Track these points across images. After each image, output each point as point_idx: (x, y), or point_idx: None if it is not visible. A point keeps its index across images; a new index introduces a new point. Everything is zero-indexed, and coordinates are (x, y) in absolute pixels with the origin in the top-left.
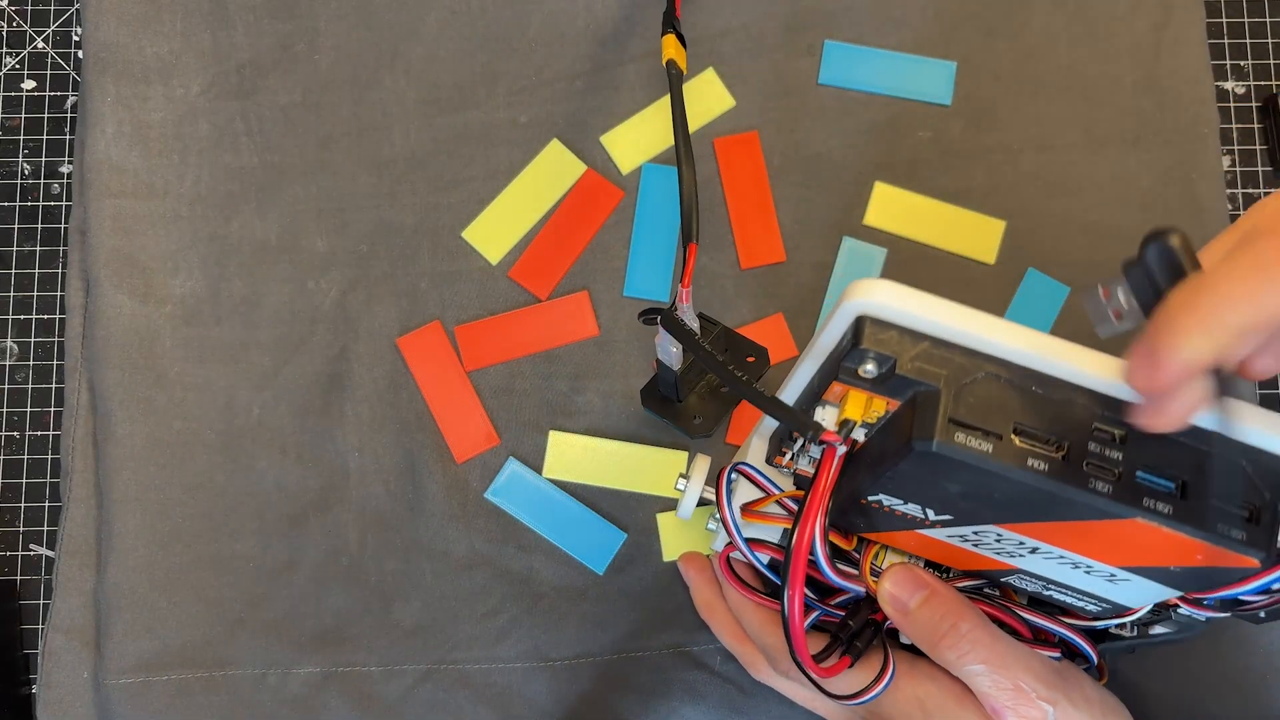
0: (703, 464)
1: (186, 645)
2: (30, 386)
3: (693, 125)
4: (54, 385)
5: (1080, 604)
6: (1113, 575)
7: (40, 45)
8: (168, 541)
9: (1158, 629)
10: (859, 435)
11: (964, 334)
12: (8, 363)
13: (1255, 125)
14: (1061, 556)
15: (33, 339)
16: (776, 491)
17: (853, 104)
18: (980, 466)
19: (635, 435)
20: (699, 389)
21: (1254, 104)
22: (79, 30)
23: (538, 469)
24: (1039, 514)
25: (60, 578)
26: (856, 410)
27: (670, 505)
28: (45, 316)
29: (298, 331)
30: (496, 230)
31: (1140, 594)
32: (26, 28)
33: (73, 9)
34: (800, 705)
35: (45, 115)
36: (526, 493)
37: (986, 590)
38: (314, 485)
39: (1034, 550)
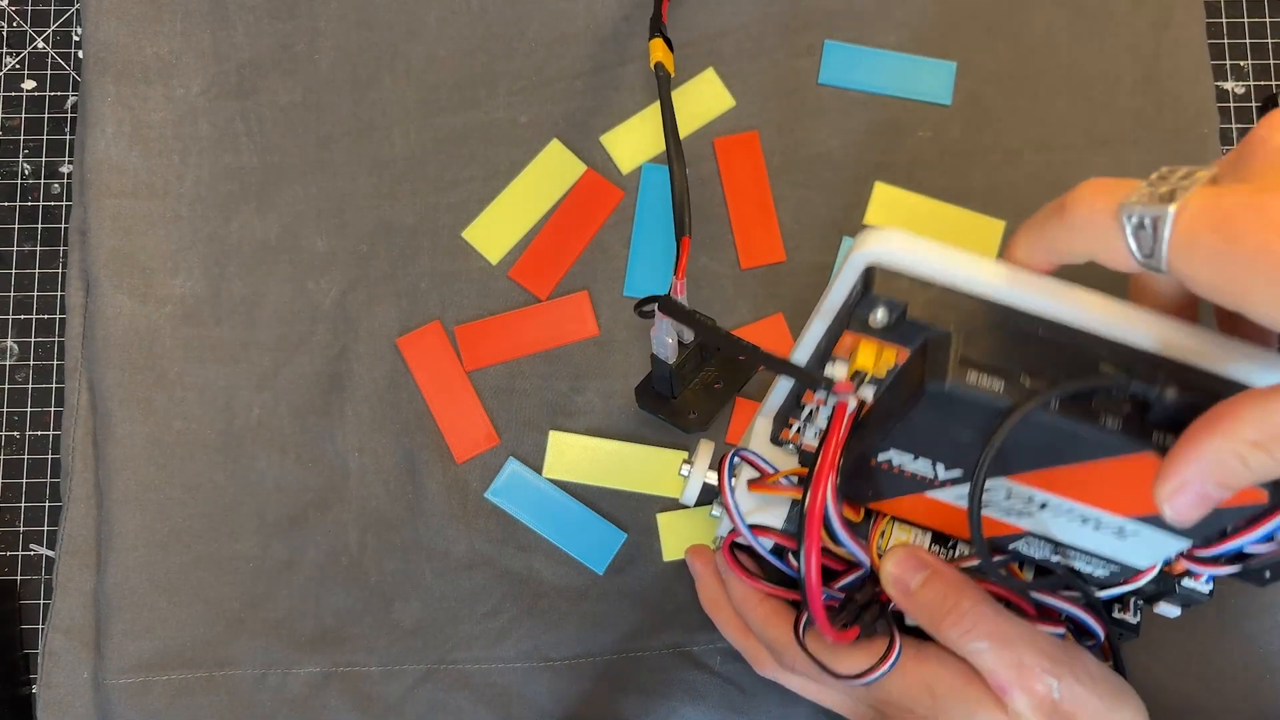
0: (706, 450)
1: (186, 645)
2: (30, 386)
3: (693, 125)
4: (54, 385)
5: (1089, 568)
6: (1122, 529)
7: (40, 45)
8: (168, 541)
9: (1163, 606)
10: (868, 394)
11: (974, 280)
12: (8, 363)
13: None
14: (1070, 510)
15: (33, 339)
16: (780, 472)
17: (853, 104)
18: (992, 405)
19: (635, 435)
20: (694, 384)
21: (1254, 104)
22: (79, 30)
23: (538, 469)
24: (1049, 458)
25: (60, 578)
26: (867, 361)
27: (671, 505)
28: (45, 316)
29: (298, 331)
30: (496, 230)
31: (1150, 550)
32: (26, 28)
33: (73, 9)
34: (805, 699)
35: (45, 115)
36: (526, 493)
37: None
38: (314, 485)
39: (1043, 506)
